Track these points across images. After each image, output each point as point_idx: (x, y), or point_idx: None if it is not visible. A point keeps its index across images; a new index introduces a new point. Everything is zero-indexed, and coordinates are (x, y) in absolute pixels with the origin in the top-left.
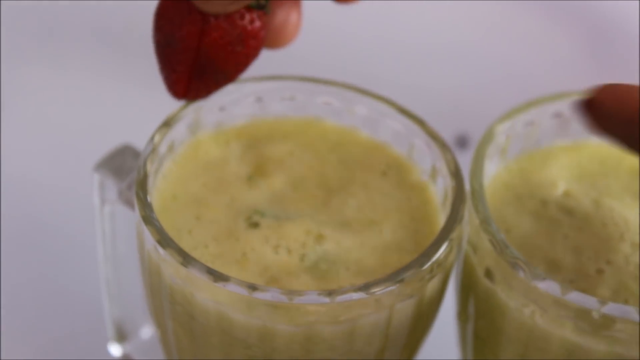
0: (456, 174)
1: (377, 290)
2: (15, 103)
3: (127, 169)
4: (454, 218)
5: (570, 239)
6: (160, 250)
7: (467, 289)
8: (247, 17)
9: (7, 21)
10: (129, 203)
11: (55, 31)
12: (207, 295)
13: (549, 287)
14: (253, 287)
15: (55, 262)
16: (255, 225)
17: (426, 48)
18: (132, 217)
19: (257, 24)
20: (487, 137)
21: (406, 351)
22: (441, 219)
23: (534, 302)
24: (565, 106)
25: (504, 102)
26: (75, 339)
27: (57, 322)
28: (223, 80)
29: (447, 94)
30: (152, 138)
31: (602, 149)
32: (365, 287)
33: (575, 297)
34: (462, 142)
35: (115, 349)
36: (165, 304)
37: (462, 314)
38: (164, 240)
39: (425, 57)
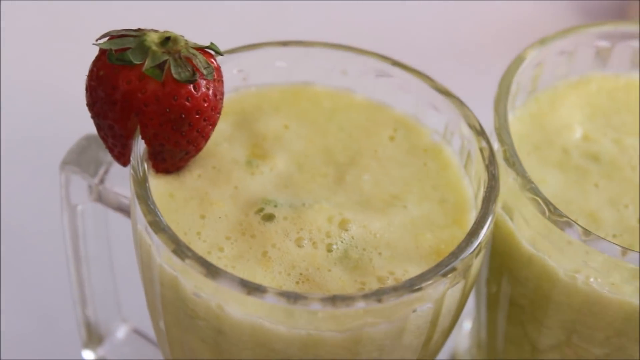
0: (482, 131)
1: (428, 283)
2: None
3: (94, 162)
4: (494, 185)
5: (602, 189)
6: (177, 261)
7: (502, 256)
8: (183, 93)
9: None
10: (101, 200)
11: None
12: (240, 308)
13: (607, 249)
14: (294, 297)
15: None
16: (269, 217)
17: None
18: (100, 213)
19: (198, 95)
20: (505, 87)
21: (447, 335)
22: (466, 183)
23: (589, 266)
24: (570, 42)
25: None
26: (49, 345)
27: (31, 327)
28: (188, 156)
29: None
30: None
31: (608, 82)
32: (418, 281)
33: (635, 258)
34: None
35: (87, 354)
36: (183, 319)
37: (493, 282)
38: (182, 250)
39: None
